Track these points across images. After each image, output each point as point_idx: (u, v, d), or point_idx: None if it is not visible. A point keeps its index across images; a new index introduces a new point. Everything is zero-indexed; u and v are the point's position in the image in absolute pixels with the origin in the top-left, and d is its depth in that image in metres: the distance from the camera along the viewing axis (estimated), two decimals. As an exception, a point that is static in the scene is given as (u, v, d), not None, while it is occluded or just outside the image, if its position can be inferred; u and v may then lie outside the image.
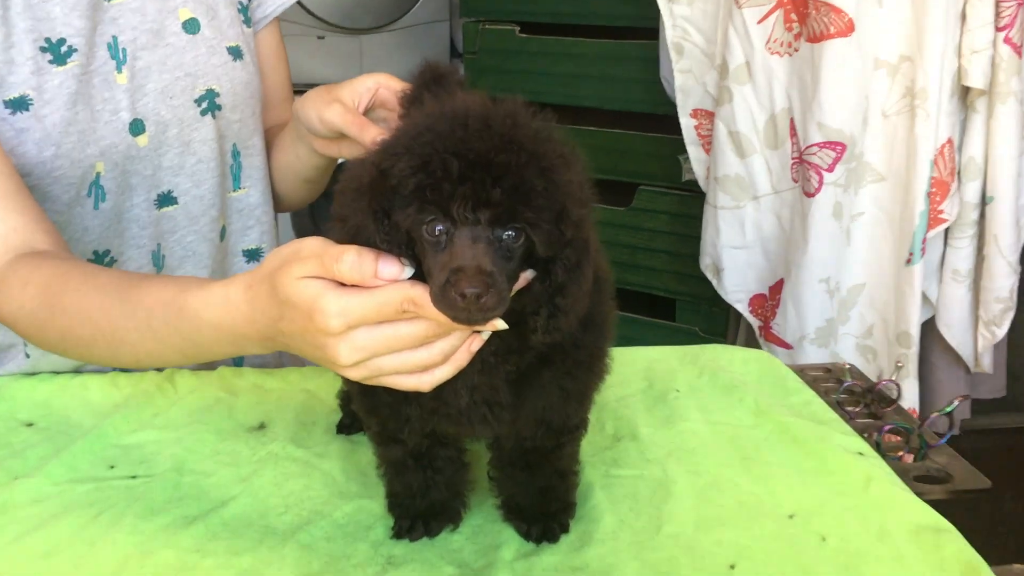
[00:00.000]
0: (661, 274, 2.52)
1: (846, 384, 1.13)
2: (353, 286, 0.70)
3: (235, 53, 1.25)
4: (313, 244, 0.73)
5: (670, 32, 2.04)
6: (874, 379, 1.15)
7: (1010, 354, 1.99)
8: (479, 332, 0.72)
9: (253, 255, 1.33)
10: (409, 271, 0.70)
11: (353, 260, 0.69)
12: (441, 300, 0.66)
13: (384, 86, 1.08)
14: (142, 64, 1.15)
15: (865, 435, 1.05)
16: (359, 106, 1.08)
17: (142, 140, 1.15)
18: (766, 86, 1.89)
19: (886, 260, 1.81)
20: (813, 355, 1.89)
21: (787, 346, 1.99)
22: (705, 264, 2.12)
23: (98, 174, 1.12)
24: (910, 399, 1.81)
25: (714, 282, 2.13)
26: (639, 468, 0.99)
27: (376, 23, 3.15)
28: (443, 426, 0.82)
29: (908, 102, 1.71)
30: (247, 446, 1.04)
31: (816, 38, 1.76)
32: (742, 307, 2.11)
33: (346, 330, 0.70)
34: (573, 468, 0.90)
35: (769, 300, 2.06)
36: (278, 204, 1.38)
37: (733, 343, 2.34)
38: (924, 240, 1.75)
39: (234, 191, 1.28)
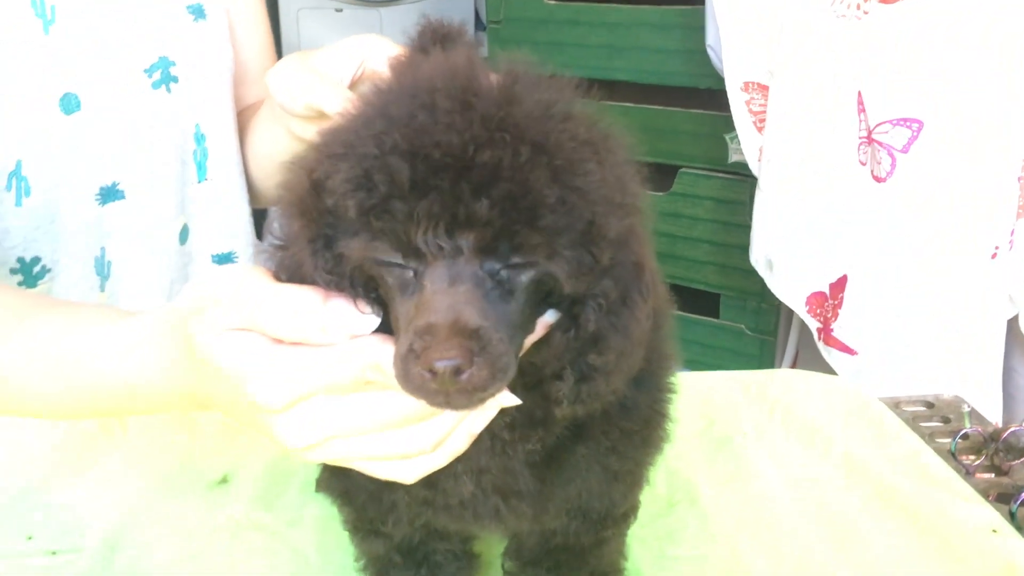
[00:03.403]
0: (704, 266, 2.30)
1: (964, 431, 0.89)
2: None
3: (197, 12, 1.02)
4: (235, 281, 0.50)
5: (719, -6, 1.90)
6: (993, 419, 0.91)
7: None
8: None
9: (224, 260, 1.10)
10: (374, 320, 0.47)
11: (288, 308, 0.47)
12: (404, 378, 0.44)
13: (374, 52, 0.85)
14: (76, 25, 0.93)
15: (990, 498, 0.81)
16: (342, 78, 0.85)
17: (77, 120, 0.93)
18: (830, 55, 1.67)
19: (967, 255, 1.64)
20: (880, 361, 1.74)
21: (851, 351, 1.80)
22: (755, 257, 1.94)
23: (19, 162, 0.90)
24: (992, 414, 1.60)
25: (766, 277, 1.94)
26: (702, 546, 0.79)
27: (397, -7, 2.98)
28: (439, 520, 0.59)
29: (1000, 71, 1.50)
30: (202, 508, 0.85)
31: (891, -1, 1.60)
32: (798, 307, 1.91)
33: (291, 405, 0.48)
34: (619, 566, 0.67)
35: (830, 299, 1.87)
36: (256, 198, 1.15)
37: (785, 343, 2.15)
38: (1012, 232, 1.59)
39: (198, 183, 1.06)
